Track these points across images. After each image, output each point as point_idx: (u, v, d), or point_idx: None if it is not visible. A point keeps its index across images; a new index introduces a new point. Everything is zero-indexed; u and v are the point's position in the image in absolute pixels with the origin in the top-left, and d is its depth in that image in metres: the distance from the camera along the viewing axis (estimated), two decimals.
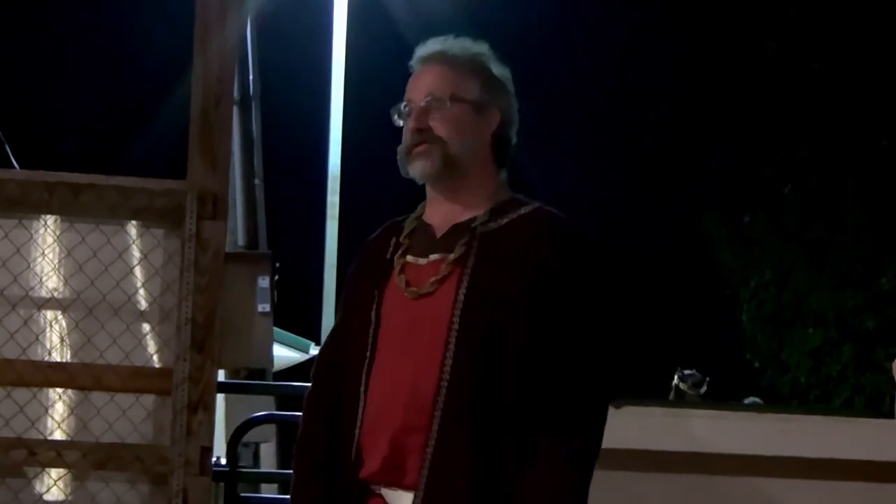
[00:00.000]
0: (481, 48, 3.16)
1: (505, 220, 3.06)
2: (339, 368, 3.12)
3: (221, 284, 4.53)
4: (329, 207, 13.48)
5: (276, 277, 5.37)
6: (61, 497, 4.52)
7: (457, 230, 3.06)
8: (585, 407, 2.96)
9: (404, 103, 3.12)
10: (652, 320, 17.91)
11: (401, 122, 3.13)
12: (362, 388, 3.02)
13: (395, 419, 2.96)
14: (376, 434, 2.98)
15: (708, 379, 9.34)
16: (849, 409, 14.13)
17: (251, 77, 10.61)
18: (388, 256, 3.10)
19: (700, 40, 16.59)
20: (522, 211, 3.09)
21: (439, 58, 3.13)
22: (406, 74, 3.19)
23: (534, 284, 2.96)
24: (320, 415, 3.12)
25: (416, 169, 3.08)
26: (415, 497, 2.91)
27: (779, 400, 15.04)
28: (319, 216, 13.63)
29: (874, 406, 13.80)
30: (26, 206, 4.55)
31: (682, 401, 8.74)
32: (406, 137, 3.09)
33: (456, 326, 2.95)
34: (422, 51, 3.16)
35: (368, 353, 3.03)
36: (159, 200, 4.55)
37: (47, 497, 4.52)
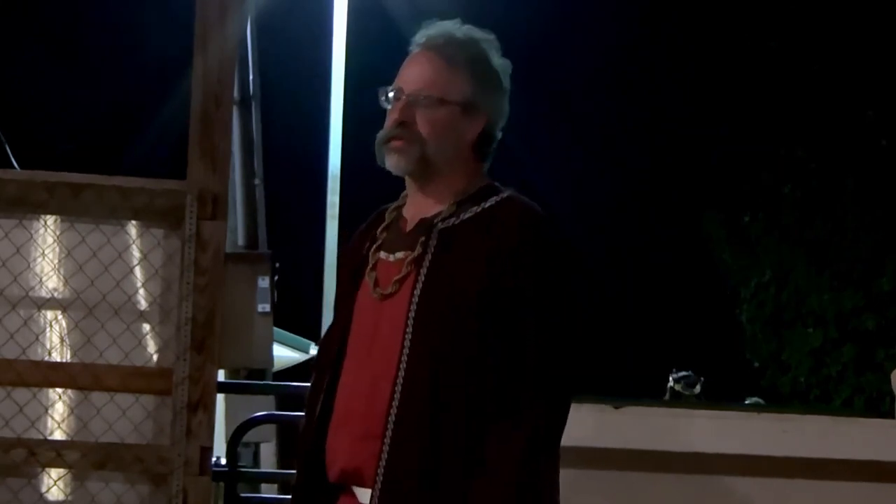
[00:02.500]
0: (485, 37, 3.07)
1: (467, 215, 2.98)
2: (323, 366, 3.09)
3: (221, 284, 4.53)
4: (329, 207, 13.48)
5: (276, 277, 5.37)
6: (61, 497, 4.52)
7: (421, 226, 2.99)
8: (536, 404, 2.87)
9: (394, 88, 3.03)
10: (651, 320, 17.91)
11: (387, 106, 3.04)
12: (324, 391, 3.00)
13: (354, 425, 2.93)
14: (339, 439, 2.96)
15: (702, 379, 9.35)
16: (849, 409, 14.14)
17: (251, 77, 10.60)
18: (364, 251, 3.04)
19: (700, 40, 16.60)
20: (488, 203, 2.99)
21: (439, 49, 3.03)
22: None
23: (486, 282, 2.89)
24: (309, 412, 3.08)
25: (391, 163, 3.00)
26: (371, 497, 2.89)
27: (779, 400, 15.04)
28: (319, 216, 13.62)
29: (874, 406, 13.80)
30: (26, 206, 4.55)
31: (677, 401, 8.75)
32: (387, 125, 3.02)
33: (409, 331, 2.89)
34: (423, 35, 3.06)
35: (337, 352, 3.00)
36: (159, 200, 4.55)
37: (47, 497, 4.52)
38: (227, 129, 4.65)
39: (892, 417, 5.62)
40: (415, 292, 2.92)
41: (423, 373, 2.88)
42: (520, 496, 2.85)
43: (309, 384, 3.21)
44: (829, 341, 15.24)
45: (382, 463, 2.88)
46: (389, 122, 3.02)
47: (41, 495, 4.51)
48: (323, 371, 3.07)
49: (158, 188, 4.56)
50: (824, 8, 15.28)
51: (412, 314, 2.90)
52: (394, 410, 2.88)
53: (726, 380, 14.34)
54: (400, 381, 2.88)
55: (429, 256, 2.94)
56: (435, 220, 2.98)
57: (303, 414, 3.18)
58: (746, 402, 9.83)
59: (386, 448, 2.87)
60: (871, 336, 14.92)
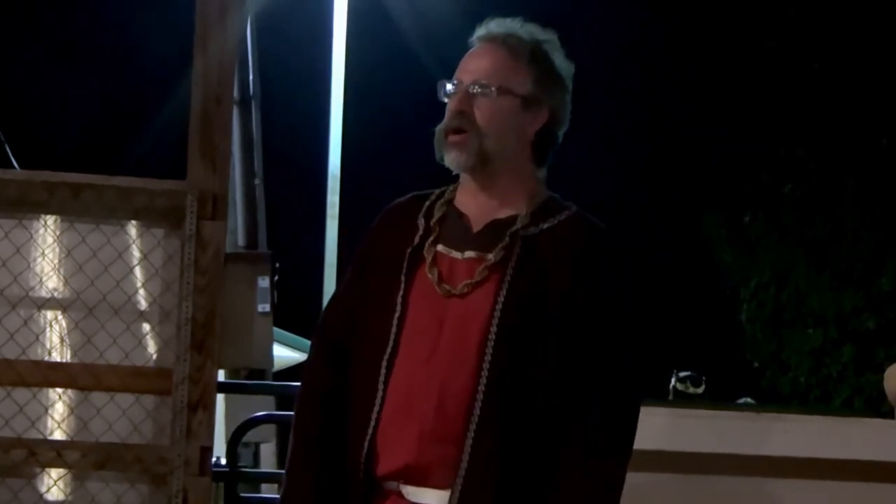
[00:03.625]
0: (548, 37, 3.05)
1: (546, 225, 2.95)
2: (347, 345, 2.99)
3: (221, 284, 4.53)
4: (329, 207, 13.49)
5: (276, 277, 5.37)
6: (61, 497, 4.52)
7: (495, 228, 2.94)
8: (620, 428, 2.88)
9: (453, 81, 2.99)
10: (651, 320, 17.90)
11: (445, 99, 2.99)
12: (381, 379, 2.90)
13: (423, 422, 2.86)
14: (396, 434, 2.88)
15: (705, 378, 9.35)
16: (849, 409, 14.13)
17: (251, 77, 10.60)
18: (418, 242, 2.97)
19: (700, 40, 16.59)
20: (562, 216, 2.97)
21: (500, 41, 2.99)
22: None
23: (570, 295, 2.87)
24: (324, 396, 2.99)
25: (450, 159, 2.95)
26: (450, 501, 2.83)
27: (779, 400, 15.03)
28: (319, 216, 13.63)
29: (874, 406, 13.78)
30: (26, 206, 4.55)
31: (682, 400, 8.74)
32: (445, 118, 2.96)
33: (493, 336, 2.85)
34: (484, 29, 3.02)
35: (391, 345, 2.91)
36: (159, 200, 4.55)
37: (47, 497, 4.52)
38: (227, 129, 4.66)
39: (892, 417, 5.62)
40: (499, 298, 2.87)
41: (506, 382, 2.84)
42: None
43: None
44: (829, 341, 15.23)
45: (462, 469, 2.83)
46: (448, 113, 2.97)
47: (41, 495, 4.51)
48: (346, 349, 2.97)
49: (158, 188, 4.56)
50: (824, 8, 15.28)
51: (496, 321, 2.86)
52: (476, 415, 2.83)
53: (726, 380, 14.33)
54: (482, 386, 2.84)
55: (512, 264, 2.90)
56: (513, 227, 2.94)
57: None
58: (739, 401, 9.82)
59: (466, 456, 2.83)
60: (871, 336, 14.91)
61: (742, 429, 4.89)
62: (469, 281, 2.90)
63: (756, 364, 16.24)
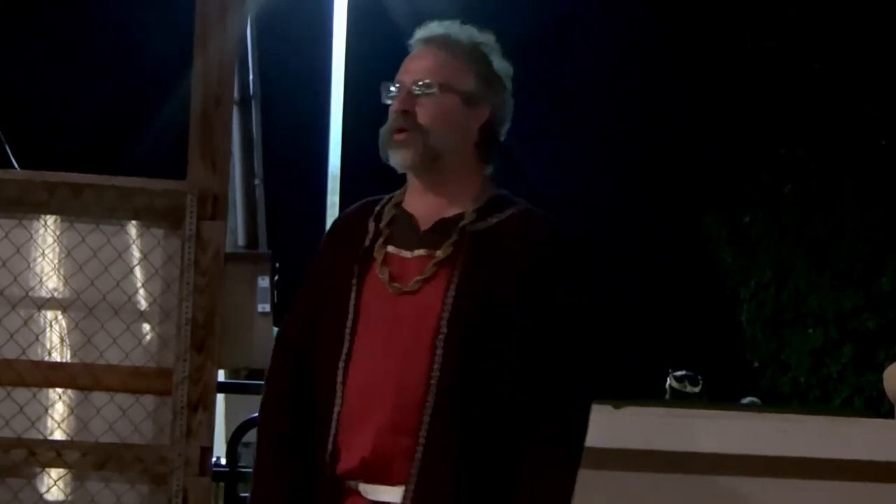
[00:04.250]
0: (486, 38, 3.09)
1: (494, 220, 3.00)
2: (308, 354, 3.04)
3: (221, 284, 4.54)
4: (329, 207, 13.48)
5: (276, 277, 5.38)
6: (61, 497, 4.53)
7: (443, 226, 3.00)
8: (573, 416, 2.92)
9: (395, 84, 3.05)
10: (651, 320, 17.90)
11: (388, 101, 3.05)
12: (339, 381, 2.95)
13: (380, 418, 2.91)
14: (356, 431, 2.93)
15: (701, 377, 9.34)
16: (849, 409, 14.13)
17: (251, 77, 10.60)
18: (368, 244, 3.03)
19: (700, 40, 16.59)
20: (511, 211, 3.02)
21: (439, 42, 3.05)
22: None
23: (524, 289, 2.92)
24: (286, 400, 3.04)
25: (395, 158, 3.01)
26: (404, 495, 2.88)
27: (779, 400, 15.03)
28: (319, 216, 13.62)
29: (874, 406, 13.78)
30: (26, 206, 4.56)
31: (678, 400, 8.74)
32: (389, 120, 3.02)
33: (444, 329, 2.90)
34: (423, 32, 3.08)
35: (346, 346, 2.96)
36: (159, 200, 4.55)
37: (47, 497, 4.52)
38: (227, 129, 4.66)
39: (892, 417, 5.62)
40: (448, 293, 2.91)
41: (459, 373, 2.88)
42: (559, 499, 2.89)
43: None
44: (829, 341, 15.23)
45: (417, 461, 2.87)
46: (391, 114, 3.02)
47: (41, 495, 4.51)
48: (306, 356, 3.03)
49: (158, 188, 4.57)
50: (823, 8, 15.28)
51: (446, 314, 2.90)
52: (429, 405, 2.88)
53: (726, 380, 14.33)
54: (434, 379, 2.88)
55: (461, 258, 2.94)
56: (461, 223, 2.98)
57: None
58: (743, 401, 9.82)
59: (421, 443, 2.87)
60: (871, 336, 14.90)
61: (742, 429, 4.89)
62: (419, 277, 2.95)
63: (756, 364, 16.24)
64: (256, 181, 10.70)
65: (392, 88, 3.05)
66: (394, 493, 2.91)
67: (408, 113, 3.00)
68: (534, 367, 2.91)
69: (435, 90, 3.00)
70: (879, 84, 14.91)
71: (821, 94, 15.21)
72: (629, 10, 18.22)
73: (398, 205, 3.09)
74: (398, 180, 3.14)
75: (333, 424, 2.95)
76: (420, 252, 2.99)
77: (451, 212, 3.02)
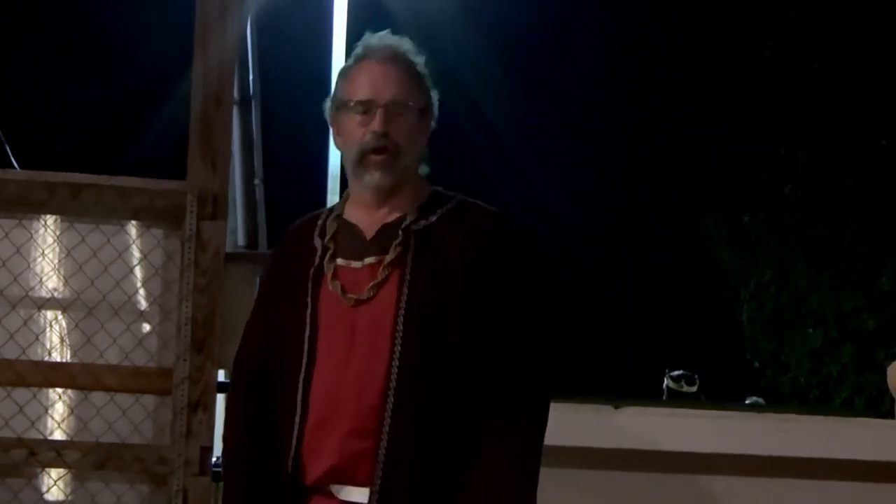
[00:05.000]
0: (411, 44, 3.14)
1: (434, 217, 3.04)
2: (265, 373, 3.08)
3: (221, 284, 4.54)
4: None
5: None
6: (61, 497, 4.53)
7: (387, 231, 3.03)
8: (529, 397, 2.95)
9: (365, 102, 3.05)
10: (651, 320, 17.90)
11: (354, 117, 3.06)
12: (299, 396, 2.98)
13: (342, 425, 2.94)
14: (321, 440, 2.96)
15: (698, 377, 9.35)
16: (849, 409, 14.12)
17: (251, 77, 10.59)
18: (318, 261, 3.05)
19: (700, 40, 16.59)
20: (449, 205, 3.07)
21: (398, 58, 3.10)
22: None
23: (473, 279, 2.95)
24: (248, 419, 3.08)
25: (373, 179, 3.03)
26: (370, 497, 2.91)
27: (779, 400, 15.03)
28: None
29: (874, 406, 13.78)
30: (26, 206, 4.56)
31: (675, 399, 8.75)
32: (368, 138, 3.03)
33: (400, 330, 2.93)
34: (375, 46, 3.11)
35: (305, 361, 2.99)
36: (159, 200, 4.56)
37: (47, 497, 4.52)
38: (227, 129, 4.66)
39: (892, 417, 5.62)
40: (402, 294, 2.94)
41: (417, 368, 2.91)
42: (520, 487, 2.91)
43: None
44: (829, 341, 15.22)
45: (380, 459, 2.89)
46: (361, 133, 3.03)
47: (41, 495, 4.51)
48: (264, 376, 3.06)
49: (158, 188, 4.57)
50: (823, 8, 15.28)
51: (402, 312, 2.93)
52: (389, 407, 2.91)
53: (726, 380, 14.32)
54: (394, 378, 2.91)
55: (410, 257, 2.97)
56: (403, 224, 3.02)
57: None
58: (747, 401, 9.81)
59: (384, 445, 2.90)
60: (871, 336, 14.90)
61: (742, 429, 4.89)
62: (373, 283, 2.98)
63: (756, 364, 16.23)
64: (256, 181, 10.69)
65: (355, 105, 3.06)
66: (361, 494, 2.95)
67: (388, 134, 3.03)
68: (489, 360, 2.93)
69: (407, 110, 3.05)
70: (879, 84, 14.91)
71: (821, 95, 15.20)
72: (629, 10, 18.22)
73: (338, 217, 3.11)
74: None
75: (295, 438, 2.97)
76: (370, 260, 3.02)
77: (392, 217, 3.05)
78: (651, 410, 5.02)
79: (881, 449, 4.86)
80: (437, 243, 2.98)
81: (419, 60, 3.11)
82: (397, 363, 2.92)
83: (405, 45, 3.12)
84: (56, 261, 4.57)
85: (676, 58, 17.43)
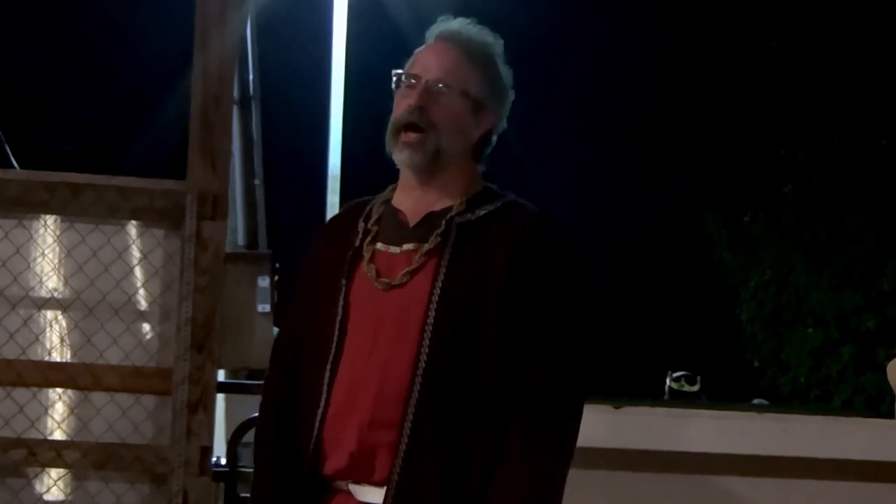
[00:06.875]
0: (498, 44, 3.09)
1: (482, 212, 2.99)
2: (298, 356, 3.04)
3: (221, 284, 4.53)
4: (329, 207, 13.47)
5: (276, 277, 5.38)
6: (61, 497, 4.53)
7: (431, 219, 2.99)
8: (559, 403, 2.89)
9: (412, 75, 3.03)
10: (651, 320, 17.91)
11: (401, 91, 3.03)
12: (325, 382, 2.94)
13: (362, 414, 2.89)
14: (340, 429, 2.91)
15: (699, 377, 9.37)
16: (849, 409, 14.13)
17: (251, 77, 10.59)
18: (357, 244, 3.02)
19: (701, 40, 16.60)
20: (498, 203, 3.02)
21: (460, 42, 3.04)
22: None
23: (509, 278, 2.90)
24: (280, 405, 3.04)
25: (402, 157, 3.00)
26: (386, 493, 2.86)
27: (779, 400, 15.04)
28: (319, 216, 13.62)
29: (874, 406, 13.79)
30: (26, 206, 4.56)
31: (677, 400, 8.76)
32: (403, 111, 3.00)
33: (431, 320, 2.88)
34: (444, 28, 3.07)
35: (334, 346, 2.95)
36: (159, 200, 4.55)
37: (47, 497, 4.52)
38: (227, 129, 4.66)
39: (892, 417, 5.62)
40: (436, 284, 2.90)
41: (445, 362, 2.87)
42: (545, 493, 2.87)
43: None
44: (829, 341, 15.23)
45: (401, 451, 2.85)
46: (403, 106, 3.00)
47: (41, 495, 4.51)
48: (297, 360, 3.03)
49: (158, 188, 4.56)
50: (823, 8, 15.28)
51: (434, 303, 2.89)
52: (414, 397, 2.85)
53: (726, 380, 14.33)
54: (421, 369, 2.86)
55: (449, 249, 2.93)
56: (448, 215, 2.98)
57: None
58: (753, 402, 9.83)
59: (406, 436, 2.85)
60: (871, 336, 14.91)
61: (742, 429, 4.90)
62: (407, 269, 2.94)
63: (756, 364, 16.24)
64: (256, 181, 10.69)
65: (405, 78, 3.04)
66: (379, 494, 2.89)
67: (423, 109, 2.99)
68: (520, 357, 2.89)
69: (455, 92, 3.00)
70: (879, 84, 14.92)
71: (821, 95, 15.21)
72: (630, 11, 18.22)
73: (387, 202, 3.08)
74: (398, 180, 3.13)
75: (317, 426, 2.94)
76: (408, 246, 2.98)
77: (439, 206, 3.01)
78: (651, 410, 5.03)
79: (881, 449, 4.86)
80: (478, 239, 2.95)
81: (487, 50, 3.05)
82: (425, 353, 2.86)
83: (473, 31, 3.06)
84: (56, 261, 4.56)
85: (677, 58, 17.43)
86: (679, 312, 18.13)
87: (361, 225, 3.05)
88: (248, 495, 6.00)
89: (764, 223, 15.93)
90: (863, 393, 14.86)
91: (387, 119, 3.06)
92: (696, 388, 9.16)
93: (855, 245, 15.08)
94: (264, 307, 5.03)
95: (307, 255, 3.16)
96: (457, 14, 3.16)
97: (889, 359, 9.26)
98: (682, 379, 9.17)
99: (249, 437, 6.01)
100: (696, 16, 16.66)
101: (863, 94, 15.04)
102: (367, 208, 3.09)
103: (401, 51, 3.18)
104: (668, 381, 9.33)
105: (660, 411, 5.07)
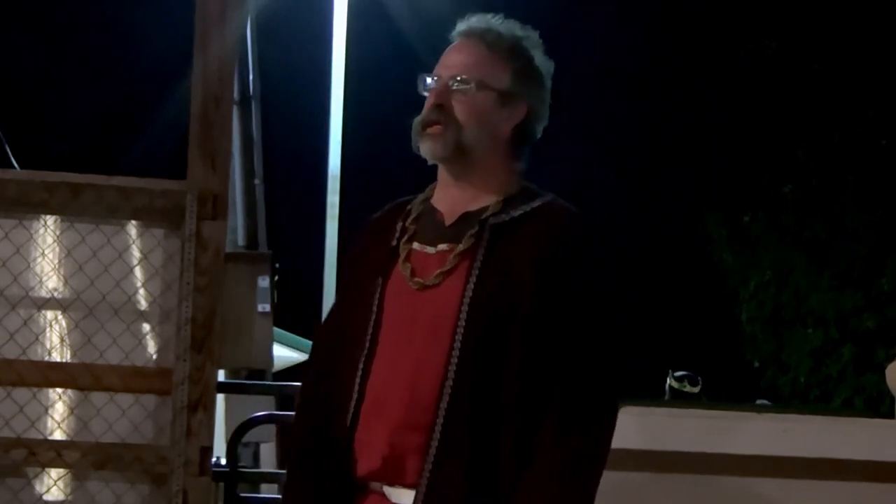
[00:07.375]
0: (527, 34, 3.06)
1: (517, 213, 2.96)
2: (335, 356, 3.02)
3: (221, 284, 4.53)
4: (329, 207, 13.48)
5: (276, 277, 5.38)
6: (61, 497, 4.52)
7: (466, 220, 2.96)
8: (590, 406, 2.87)
9: (433, 76, 3.01)
10: (651, 320, 17.91)
11: (425, 93, 3.02)
12: (358, 381, 2.92)
13: (394, 415, 2.87)
14: (374, 430, 2.90)
15: (700, 377, 9.36)
16: (849, 409, 14.13)
17: (251, 77, 10.59)
18: (395, 243, 3.00)
19: (701, 40, 16.60)
20: (535, 204, 2.98)
21: (480, 36, 3.01)
22: (405, 77, 3.14)
23: (542, 280, 2.87)
24: (316, 404, 3.03)
25: (425, 148, 2.98)
26: (415, 497, 2.84)
27: (779, 400, 15.04)
28: (319, 216, 13.63)
29: (874, 406, 13.79)
30: (26, 206, 4.55)
31: (678, 400, 8.75)
32: (424, 111, 2.99)
33: (462, 322, 2.85)
34: (464, 24, 3.05)
35: (367, 345, 2.93)
36: (159, 200, 4.55)
37: (47, 497, 4.52)
38: (227, 129, 4.65)
39: (892, 417, 5.62)
40: (468, 284, 2.88)
41: (477, 365, 2.84)
42: (575, 498, 2.86)
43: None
44: (829, 341, 15.24)
45: (431, 455, 2.83)
46: (427, 106, 2.99)
47: (41, 495, 4.51)
48: (347, 363, 2.99)
49: (158, 188, 4.56)
50: (824, 8, 15.29)
51: (466, 305, 2.87)
52: (445, 401, 2.83)
53: (726, 380, 14.34)
54: (452, 372, 2.84)
55: (482, 250, 2.91)
56: (483, 215, 2.95)
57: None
58: (756, 403, 9.82)
59: (436, 440, 2.83)
60: (871, 336, 14.92)
61: (742, 429, 4.89)
62: (440, 270, 2.92)
63: (756, 364, 16.25)
64: (256, 181, 10.68)
65: (429, 81, 3.02)
66: (410, 496, 2.86)
67: (442, 107, 2.97)
68: (551, 361, 2.86)
69: (471, 86, 2.97)
70: (879, 84, 14.92)
71: (821, 95, 15.21)
72: (630, 10, 18.23)
73: (426, 201, 3.06)
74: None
75: (349, 423, 2.92)
76: (442, 247, 2.95)
77: (476, 205, 2.98)
78: (651, 410, 5.02)
79: (881, 449, 4.85)
80: (513, 239, 2.91)
81: (511, 40, 3.01)
82: (456, 358, 2.83)
83: (494, 23, 3.03)
84: (56, 261, 4.56)
85: (677, 58, 17.44)
86: (679, 312, 18.14)
87: (400, 224, 3.03)
88: (247, 495, 6.01)
89: (764, 223, 15.94)
90: (863, 393, 14.87)
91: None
92: (697, 389, 9.16)
93: (855, 245, 15.09)
94: (264, 307, 5.03)
95: (347, 256, 3.18)
96: (457, 14, 3.14)
97: (889, 359, 9.26)
98: (685, 379, 9.16)
99: (249, 437, 6.02)
100: (696, 16, 16.66)
101: (863, 94, 15.05)
102: (408, 207, 3.07)
103: (401, 51, 3.18)
104: (668, 380, 9.32)
105: (660, 411, 5.07)
